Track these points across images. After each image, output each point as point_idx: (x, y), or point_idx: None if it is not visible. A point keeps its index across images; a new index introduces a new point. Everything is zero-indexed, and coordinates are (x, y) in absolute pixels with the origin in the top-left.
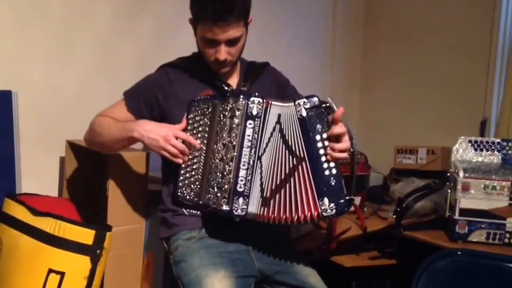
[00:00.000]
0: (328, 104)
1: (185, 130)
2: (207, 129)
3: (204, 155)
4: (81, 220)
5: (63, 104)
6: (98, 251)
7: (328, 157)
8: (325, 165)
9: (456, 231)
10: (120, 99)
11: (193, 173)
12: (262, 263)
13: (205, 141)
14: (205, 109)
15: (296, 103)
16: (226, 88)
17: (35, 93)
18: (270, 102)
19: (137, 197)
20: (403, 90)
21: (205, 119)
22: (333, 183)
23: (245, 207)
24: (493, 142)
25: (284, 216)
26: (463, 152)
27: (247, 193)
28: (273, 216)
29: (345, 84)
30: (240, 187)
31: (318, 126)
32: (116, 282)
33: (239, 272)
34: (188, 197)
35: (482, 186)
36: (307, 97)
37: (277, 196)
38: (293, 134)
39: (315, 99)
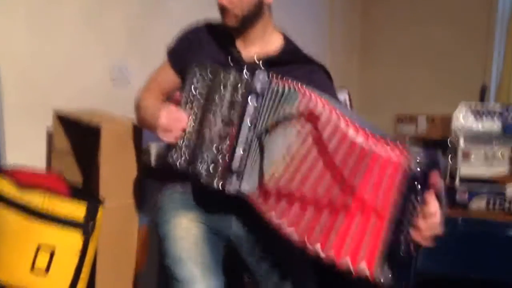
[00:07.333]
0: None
1: (181, 92)
2: (204, 96)
3: (198, 124)
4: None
5: (49, 72)
6: (89, 226)
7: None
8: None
9: (456, 198)
10: (165, 60)
11: (185, 141)
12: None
13: (201, 109)
14: (204, 76)
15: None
16: (234, 56)
17: (18, 61)
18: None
19: (131, 171)
20: (403, 56)
21: (205, 85)
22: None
23: (237, 185)
24: (493, 110)
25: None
26: (463, 118)
27: (241, 172)
28: (262, 206)
29: (344, 50)
30: (235, 165)
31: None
32: (111, 257)
33: (212, 224)
34: (178, 162)
35: (483, 153)
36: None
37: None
38: None
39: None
